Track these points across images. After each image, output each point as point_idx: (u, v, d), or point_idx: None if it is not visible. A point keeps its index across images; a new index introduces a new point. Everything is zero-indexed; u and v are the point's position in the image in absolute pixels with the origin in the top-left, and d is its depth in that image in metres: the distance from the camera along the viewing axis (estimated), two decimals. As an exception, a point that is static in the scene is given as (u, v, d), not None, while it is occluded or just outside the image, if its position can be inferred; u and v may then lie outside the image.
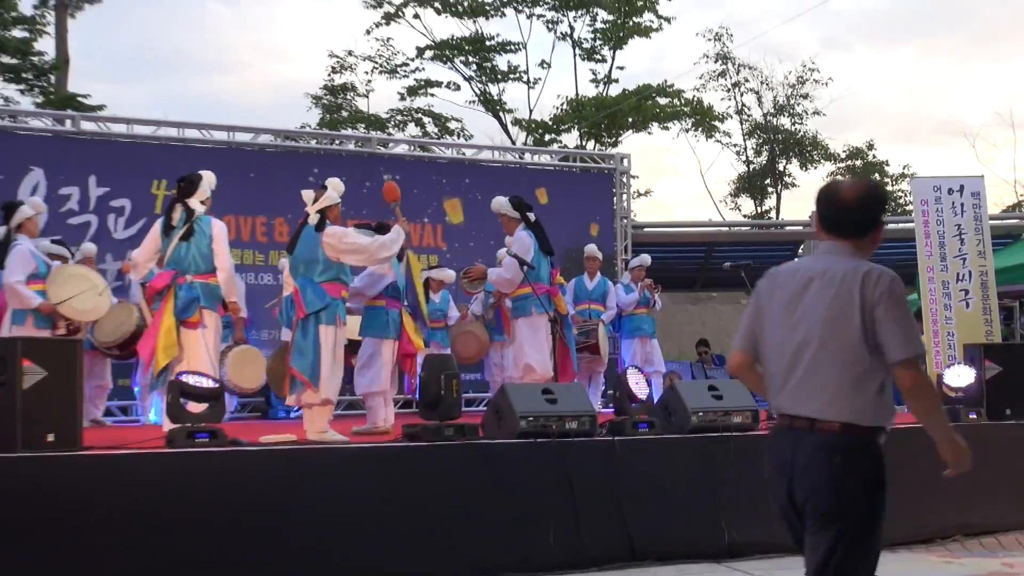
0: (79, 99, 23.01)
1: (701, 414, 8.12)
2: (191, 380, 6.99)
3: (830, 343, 3.79)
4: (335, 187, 8.51)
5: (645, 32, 27.09)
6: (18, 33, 23.14)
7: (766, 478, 4.04)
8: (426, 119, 27.43)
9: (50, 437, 6.38)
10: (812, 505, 3.85)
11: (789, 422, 3.89)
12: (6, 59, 22.82)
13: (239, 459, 6.80)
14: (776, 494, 3.98)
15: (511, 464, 7.39)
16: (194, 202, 8.50)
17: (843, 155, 29.98)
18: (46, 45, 24.30)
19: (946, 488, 8.71)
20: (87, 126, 13.06)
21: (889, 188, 29.37)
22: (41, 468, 6.25)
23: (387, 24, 27.26)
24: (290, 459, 7.01)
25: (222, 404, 7.21)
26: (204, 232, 8.39)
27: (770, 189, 30.36)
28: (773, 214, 29.76)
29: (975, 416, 9.44)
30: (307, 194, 8.49)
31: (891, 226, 21.92)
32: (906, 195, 28.29)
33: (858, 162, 29.86)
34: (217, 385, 7.13)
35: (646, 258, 13.16)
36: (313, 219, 8.32)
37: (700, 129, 28.49)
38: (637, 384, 8.31)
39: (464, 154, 15.64)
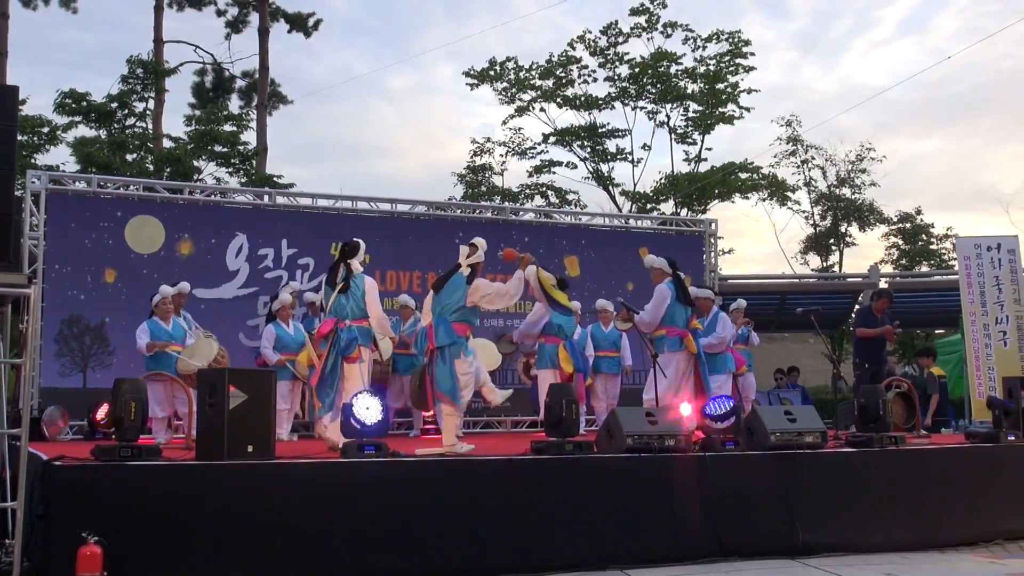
0: (274, 179, 23.55)
1: (778, 434, 7.96)
2: (361, 405, 7.03)
3: None
4: (482, 246, 8.61)
5: (729, 120, 26.86)
6: (228, 127, 23.80)
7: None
8: (549, 192, 27.49)
9: (249, 448, 6.49)
10: None
11: None
12: (218, 148, 23.47)
13: (399, 468, 6.84)
14: None
15: (620, 474, 7.31)
16: (354, 263, 8.70)
17: (895, 219, 29.20)
18: (249, 136, 25.00)
19: (989, 498, 8.52)
20: (280, 200, 13.37)
21: (934, 247, 28.57)
22: (242, 474, 6.37)
23: (519, 116, 27.48)
24: (441, 468, 7.04)
25: (387, 421, 7.25)
26: (358, 287, 8.59)
27: (833, 247, 29.68)
28: (836, 268, 29.10)
29: (1014, 438, 9.16)
30: (463, 249, 8.61)
31: (937, 278, 21.36)
32: (949, 253, 27.46)
33: (908, 225, 29.07)
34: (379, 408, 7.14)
35: (743, 302, 12.90)
36: (465, 270, 8.47)
37: (775, 198, 28.01)
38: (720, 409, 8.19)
39: (580, 220, 15.63)
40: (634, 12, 26.46)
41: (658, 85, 26.60)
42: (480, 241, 8.66)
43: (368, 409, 6.92)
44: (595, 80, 26.95)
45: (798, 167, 29.04)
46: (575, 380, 8.94)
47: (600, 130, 27.01)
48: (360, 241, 8.90)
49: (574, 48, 26.82)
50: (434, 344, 8.20)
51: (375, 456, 6.80)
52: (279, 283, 12.60)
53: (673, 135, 27.37)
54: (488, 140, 28.25)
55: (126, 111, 22.97)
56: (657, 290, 9.55)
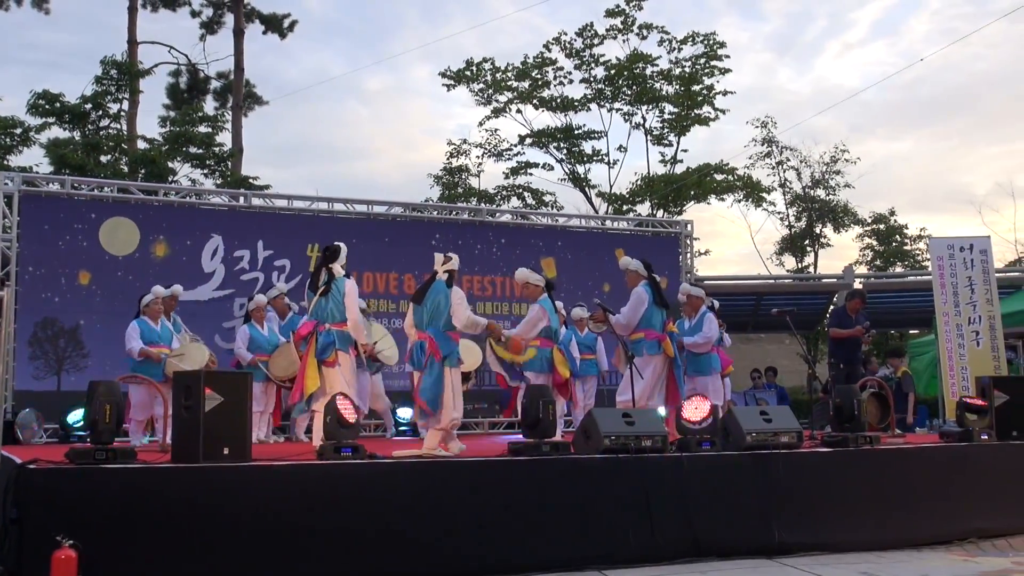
0: (250, 180, 23.43)
1: (754, 434, 7.99)
2: (341, 407, 7.01)
3: None
4: (456, 260, 8.71)
5: (704, 122, 26.94)
6: (203, 129, 23.70)
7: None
8: (526, 194, 27.49)
9: (225, 451, 6.45)
10: None
11: None
12: (193, 149, 23.35)
13: (376, 470, 6.82)
14: None
15: (597, 475, 7.32)
16: (336, 267, 8.71)
17: (869, 220, 29.40)
18: (224, 138, 24.90)
19: (963, 497, 8.58)
20: (256, 201, 13.34)
21: (907, 248, 28.78)
22: (218, 476, 6.34)
23: (495, 117, 27.47)
24: (418, 470, 7.02)
25: (358, 425, 7.23)
26: (339, 290, 8.59)
27: (808, 248, 29.84)
28: (811, 269, 29.25)
29: (987, 437, 9.22)
30: (438, 257, 8.65)
31: (911, 279, 21.50)
32: (923, 253, 27.68)
33: (882, 226, 29.27)
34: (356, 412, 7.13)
35: (714, 303, 12.92)
36: (443, 276, 8.53)
37: (750, 200, 28.11)
38: (697, 410, 8.20)
39: (557, 222, 15.67)
40: (610, 14, 26.51)
41: (634, 87, 26.67)
42: (455, 257, 8.73)
43: (345, 411, 6.90)
44: (571, 82, 27.02)
45: (773, 168, 29.22)
46: (571, 384, 8.94)
47: (576, 132, 27.05)
48: (342, 245, 8.89)
49: (550, 50, 26.86)
50: (441, 353, 8.21)
51: (352, 458, 6.77)
52: (255, 285, 12.58)
53: (649, 137, 27.46)
54: (464, 142, 28.27)
55: (100, 112, 22.83)
56: (634, 293, 9.60)
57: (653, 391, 9.39)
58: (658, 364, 9.41)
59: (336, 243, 8.93)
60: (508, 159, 27.84)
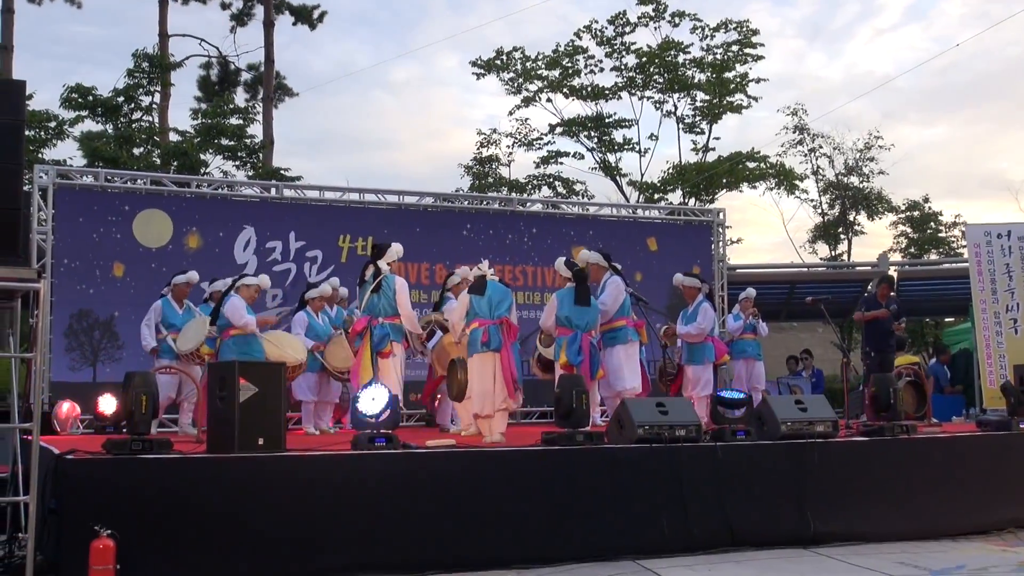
0: (281, 171, 23.58)
1: (790, 424, 7.95)
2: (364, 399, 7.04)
3: None
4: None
5: (736, 109, 26.80)
6: (234, 121, 23.82)
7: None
8: (556, 183, 27.47)
9: (260, 441, 6.49)
10: None
11: None
12: (225, 141, 23.49)
13: (410, 460, 6.85)
14: None
15: (631, 465, 7.31)
16: (383, 264, 9.16)
17: (903, 207, 29.14)
18: (255, 130, 25.03)
19: (1001, 487, 8.50)
20: (288, 193, 13.34)
21: (942, 235, 28.51)
22: (254, 465, 6.38)
23: (525, 107, 27.43)
24: (451, 459, 7.04)
25: (397, 414, 7.24)
26: (389, 286, 9.09)
27: (842, 236, 29.63)
28: (845, 257, 29.04)
29: (1025, 426, 9.13)
30: (483, 265, 9.25)
31: (946, 266, 21.31)
32: (958, 241, 27.41)
33: (916, 213, 29.00)
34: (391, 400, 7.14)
35: (752, 291, 12.86)
36: (492, 277, 9.10)
37: (782, 187, 27.97)
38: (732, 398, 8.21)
39: (588, 211, 15.61)
40: (642, 1, 26.37)
41: (665, 75, 26.55)
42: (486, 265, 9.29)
43: (374, 400, 6.92)
44: (602, 70, 26.92)
45: (805, 156, 29.02)
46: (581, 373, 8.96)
47: (607, 120, 26.97)
48: (393, 244, 9.40)
49: (580, 38, 26.79)
50: (515, 336, 8.85)
51: (386, 448, 6.80)
52: (287, 276, 12.64)
53: (680, 125, 27.35)
54: (494, 131, 28.26)
55: (132, 105, 23.05)
56: (611, 282, 10.00)
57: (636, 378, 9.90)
58: (637, 351, 10.04)
59: (386, 242, 9.41)
60: (538, 148, 27.84)
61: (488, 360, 8.70)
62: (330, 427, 11.17)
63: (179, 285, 10.80)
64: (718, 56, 26.45)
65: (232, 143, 23.60)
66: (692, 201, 26.21)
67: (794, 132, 28.63)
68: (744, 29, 26.30)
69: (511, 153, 28.23)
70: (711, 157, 27.15)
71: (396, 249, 9.41)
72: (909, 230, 29.19)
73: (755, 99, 26.75)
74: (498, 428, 8.64)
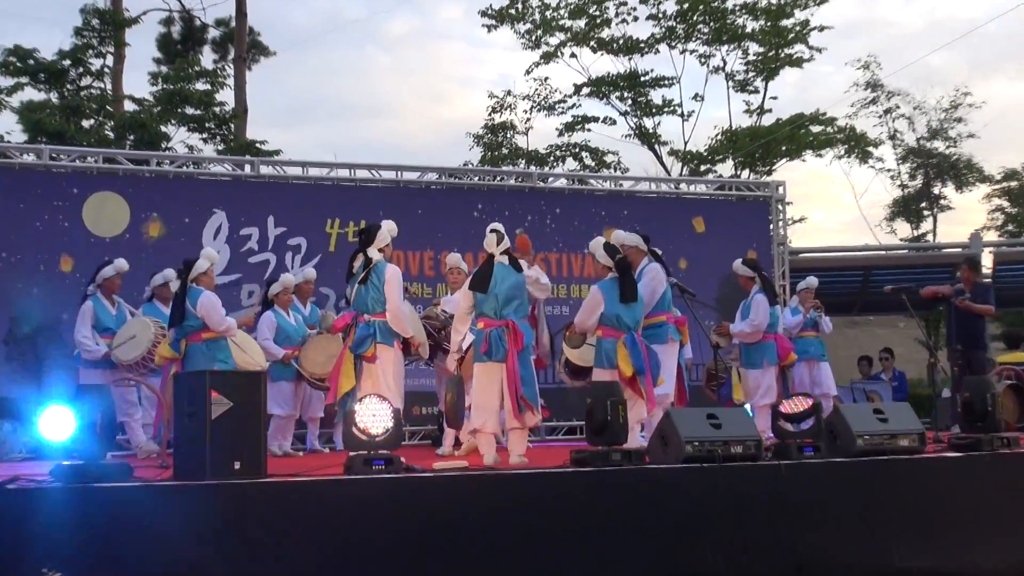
0: (257, 145, 23.59)
1: (866, 437, 7.91)
2: (362, 414, 7.00)
3: None
4: (502, 230, 9.02)
5: (797, 63, 26.72)
6: (200, 86, 23.85)
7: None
8: (584, 153, 27.43)
9: (236, 465, 6.48)
10: None
11: None
12: (190, 110, 23.53)
13: (414, 486, 6.83)
14: None
15: (678, 488, 7.28)
16: (372, 251, 8.94)
17: (999, 176, 29.02)
18: (226, 96, 25.04)
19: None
20: (265, 170, 13.37)
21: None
22: (228, 494, 6.37)
23: (545, 63, 27.40)
24: (462, 485, 7.02)
25: (399, 431, 7.21)
26: (379, 276, 8.85)
27: (926, 212, 29.53)
28: (930, 237, 28.93)
29: None
30: (490, 238, 8.94)
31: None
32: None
33: (1014, 183, 28.86)
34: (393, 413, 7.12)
35: (813, 280, 12.82)
36: (503, 259, 8.84)
37: (853, 155, 27.93)
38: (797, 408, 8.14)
39: (621, 186, 15.60)
40: (682, -65, 26.31)
41: (711, 23, 26.46)
42: (499, 226, 9.06)
43: (375, 416, 6.90)
44: (636, 19, 26.86)
45: (880, 118, 28.94)
46: (640, 383, 8.84)
47: (643, 78, 26.92)
48: (383, 224, 9.17)
49: (611, -19, 26.71)
50: (523, 344, 8.61)
51: (385, 472, 6.77)
52: (266, 268, 12.64)
53: (730, 82, 27.27)
54: (509, 93, 28.24)
55: (81, 70, 23.08)
56: (649, 270, 9.75)
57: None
58: (676, 353, 9.77)
59: (373, 224, 9.18)
60: (561, 113, 27.83)
61: (492, 371, 8.63)
62: (305, 446, 11.27)
63: (109, 279, 10.70)
64: (773, 1, 26.35)
65: (198, 112, 23.62)
66: (746, 173, 26.15)
67: (866, 89, 28.58)
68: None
69: (529, 119, 28.25)
70: (767, 121, 27.12)
71: (388, 229, 9.18)
72: (1006, 204, 29.07)
73: (818, 51, 26.68)
74: (517, 448, 8.60)
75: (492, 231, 8.95)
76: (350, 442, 6.98)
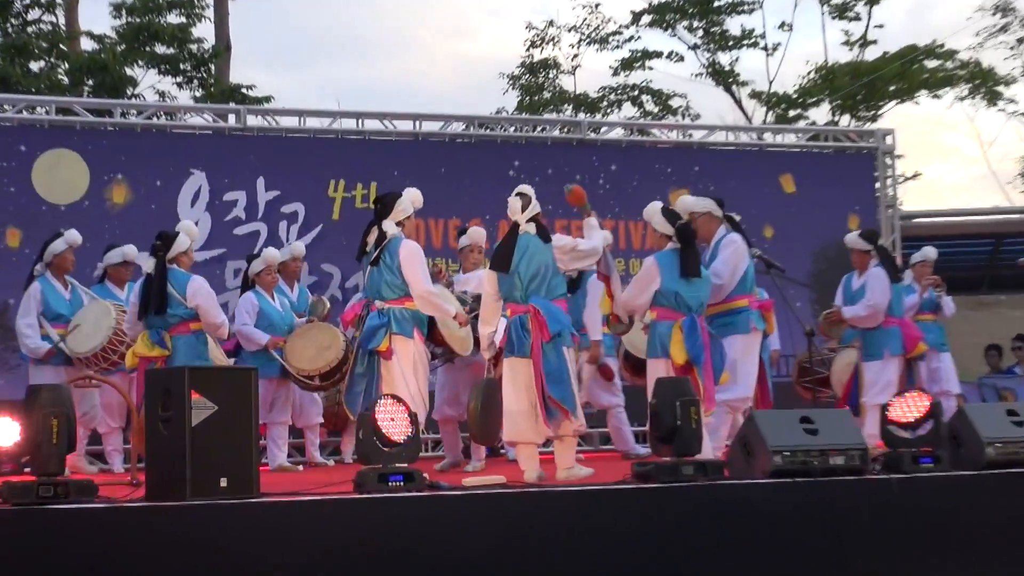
0: (243, 91, 23.64)
1: (998, 445, 7.85)
2: (383, 417, 7.02)
3: None
4: (532, 193, 8.99)
5: (908, -19, 26.62)
6: (174, 19, 23.87)
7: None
8: (644, 97, 27.37)
9: (223, 482, 6.52)
10: None
11: None
12: (161, 49, 23.57)
13: (441, 505, 6.85)
14: None
15: (765, 508, 7.26)
16: (388, 224, 8.96)
17: None
18: (204, 31, 25.05)
19: None
20: (253, 121, 13.40)
21: None
22: (213, 517, 6.40)
23: (595, -14, 27.41)
24: (500, 504, 7.02)
25: (418, 441, 7.24)
26: (393, 254, 8.85)
27: (1070, 166, 29.34)
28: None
29: None
30: (512, 203, 8.92)
31: None
32: None
33: None
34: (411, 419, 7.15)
35: (930, 251, 12.72)
36: (529, 228, 8.80)
37: (979, 96, 27.74)
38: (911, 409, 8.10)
39: (691, 137, 15.54)
40: None
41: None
42: (528, 189, 9.04)
43: (392, 421, 6.93)
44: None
45: (1012, 49, 28.66)
46: (697, 376, 8.80)
47: (717, 3, 26.81)
48: (405, 192, 9.16)
49: None
50: (549, 333, 8.50)
51: (405, 489, 6.79)
52: (256, 240, 12.66)
53: (826, 7, 27.13)
54: (550, 24, 28.20)
55: (28, 1, 23.15)
56: (728, 242, 9.65)
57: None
58: (759, 346, 9.70)
59: (391, 193, 9.20)
60: (616, 47, 27.79)
61: (519, 369, 8.64)
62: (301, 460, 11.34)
63: (60, 255, 10.69)
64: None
65: (171, 51, 23.68)
66: (845, 120, 26.03)
67: (994, 14, 28.29)
68: None
69: (576, 55, 28.21)
70: (872, 55, 26.95)
71: (410, 198, 9.15)
72: None
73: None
74: (564, 461, 8.61)
75: (518, 194, 8.95)
76: (365, 453, 7.01)
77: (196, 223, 12.33)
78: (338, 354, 10.24)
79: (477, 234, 10.92)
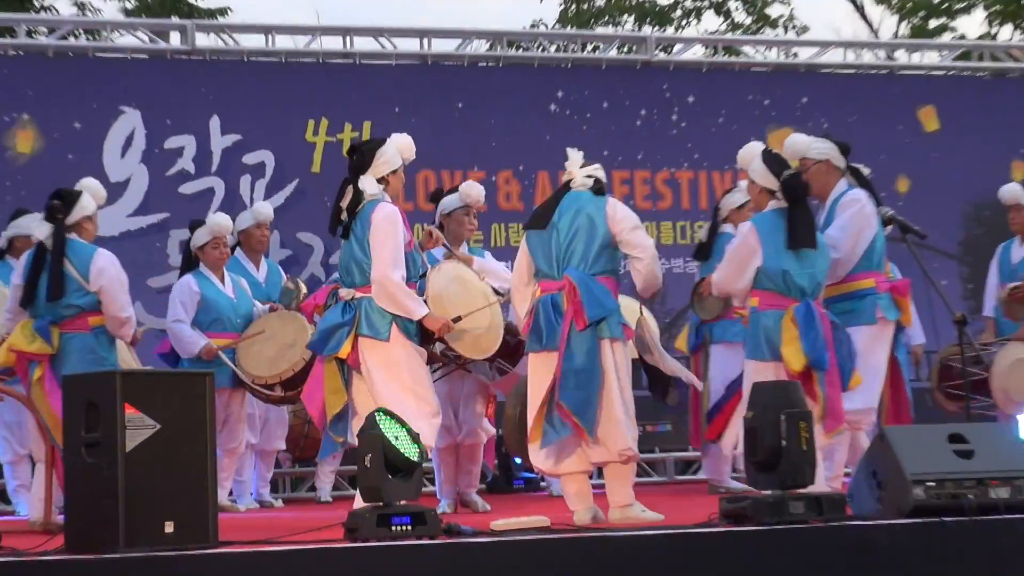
0: (191, 1, 23.73)
1: None
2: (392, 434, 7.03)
3: None
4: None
5: None
6: None
7: None
8: (733, 4, 27.39)
9: (168, 527, 6.54)
10: None
11: None
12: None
13: (464, 556, 6.86)
14: None
15: (900, 557, 7.26)
16: (366, 182, 8.76)
17: None
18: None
19: None
20: (204, 41, 13.42)
21: None
22: (155, 574, 6.42)
23: None
24: (543, 554, 7.03)
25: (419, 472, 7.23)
26: (363, 224, 8.67)
27: None
28: None
29: None
30: (573, 156, 8.92)
31: None
32: None
33: None
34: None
35: None
36: (584, 184, 8.76)
37: None
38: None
39: (796, 57, 15.49)
40: None
41: None
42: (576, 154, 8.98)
43: (397, 439, 6.95)
44: None
45: None
46: (818, 384, 8.75)
47: None
48: (392, 138, 9.01)
49: None
50: (585, 319, 8.41)
51: (415, 534, 6.81)
52: (208, 201, 12.68)
53: None
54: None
55: None
56: (849, 201, 9.49)
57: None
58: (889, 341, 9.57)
59: (377, 138, 9.14)
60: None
61: (548, 367, 8.59)
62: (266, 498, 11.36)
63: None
64: None
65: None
66: (1006, 32, 25.96)
67: None
68: None
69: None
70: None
71: (398, 147, 8.98)
72: None
73: None
74: (618, 497, 8.56)
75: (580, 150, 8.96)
76: (366, 488, 7.01)
77: (128, 179, 12.48)
78: (305, 354, 9.99)
79: (473, 191, 10.47)
